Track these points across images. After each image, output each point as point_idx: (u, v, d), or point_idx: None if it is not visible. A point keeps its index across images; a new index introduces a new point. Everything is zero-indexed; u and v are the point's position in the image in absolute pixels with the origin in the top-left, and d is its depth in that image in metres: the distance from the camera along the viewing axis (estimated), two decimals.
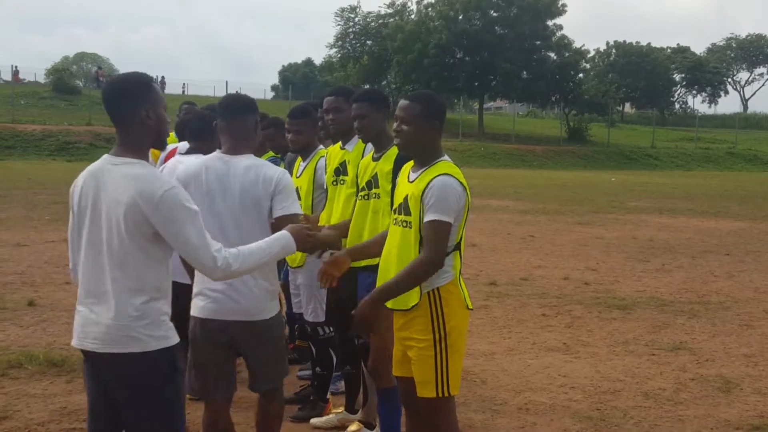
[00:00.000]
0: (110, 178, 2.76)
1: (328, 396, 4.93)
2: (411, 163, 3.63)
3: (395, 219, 3.49)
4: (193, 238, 2.74)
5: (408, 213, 3.38)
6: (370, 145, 4.38)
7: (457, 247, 3.36)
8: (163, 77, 56.25)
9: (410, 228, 3.37)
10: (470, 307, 3.45)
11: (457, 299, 3.37)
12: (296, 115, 4.92)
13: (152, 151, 7.03)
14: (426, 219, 3.28)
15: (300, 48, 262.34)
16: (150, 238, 2.73)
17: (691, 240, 13.64)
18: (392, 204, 3.63)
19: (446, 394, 3.34)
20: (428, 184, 3.31)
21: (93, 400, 2.88)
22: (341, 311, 4.45)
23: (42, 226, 12.62)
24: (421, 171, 3.43)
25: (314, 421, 4.73)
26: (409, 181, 3.47)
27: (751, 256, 11.92)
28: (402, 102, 3.52)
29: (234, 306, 3.40)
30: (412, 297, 3.33)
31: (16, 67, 42.74)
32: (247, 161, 3.49)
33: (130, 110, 2.76)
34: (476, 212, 17.40)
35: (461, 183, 3.33)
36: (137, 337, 2.71)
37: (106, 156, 2.85)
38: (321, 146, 4.98)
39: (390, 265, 3.45)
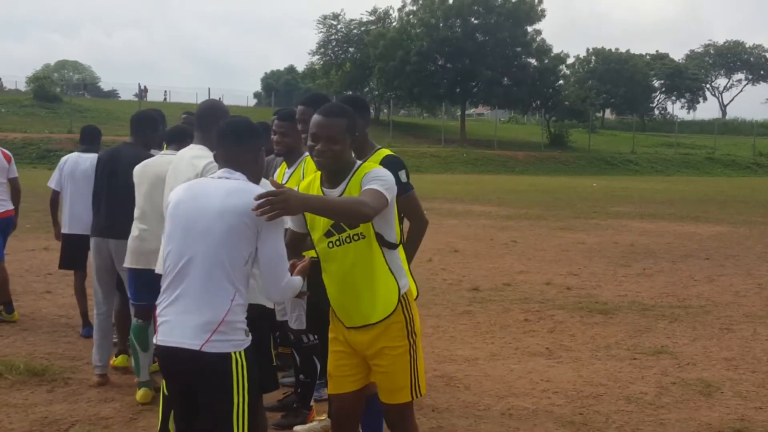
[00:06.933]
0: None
1: (312, 403, 4.93)
2: (312, 177, 3.37)
3: (335, 240, 3.20)
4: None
5: (354, 226, 3.14)
6: None
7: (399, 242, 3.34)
8: (145, 86, 56.26)
9: (364, 238, 3.17)
10: (416, 295, 3.53)
11: (412, 298, 3.39)
12: (285, 117, 4.83)
13: None
14: (367, 187, 3.06)
15: (283, 55, 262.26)
16: None
17: (671, 245, 13.75)
18: (309, 229, 3.33)
19: (419, 395, 3.36)
20: (361, 179, 3.13)
21: None
22: (322, 318, 4.45)
23: (22, 235, 12.47)
24: (345, 182, 3.19)
25: (297, 428, 4.73)
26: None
27: (730, 261, 12.03)
28: (321, 119, 3.15)
29: None
30: (388, 307, 3.23)
31: None
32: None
33: None
34: (459, 218, 17.46)
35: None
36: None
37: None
38: (307, 153, 4.88)
39: (351, 287, 3.23)
